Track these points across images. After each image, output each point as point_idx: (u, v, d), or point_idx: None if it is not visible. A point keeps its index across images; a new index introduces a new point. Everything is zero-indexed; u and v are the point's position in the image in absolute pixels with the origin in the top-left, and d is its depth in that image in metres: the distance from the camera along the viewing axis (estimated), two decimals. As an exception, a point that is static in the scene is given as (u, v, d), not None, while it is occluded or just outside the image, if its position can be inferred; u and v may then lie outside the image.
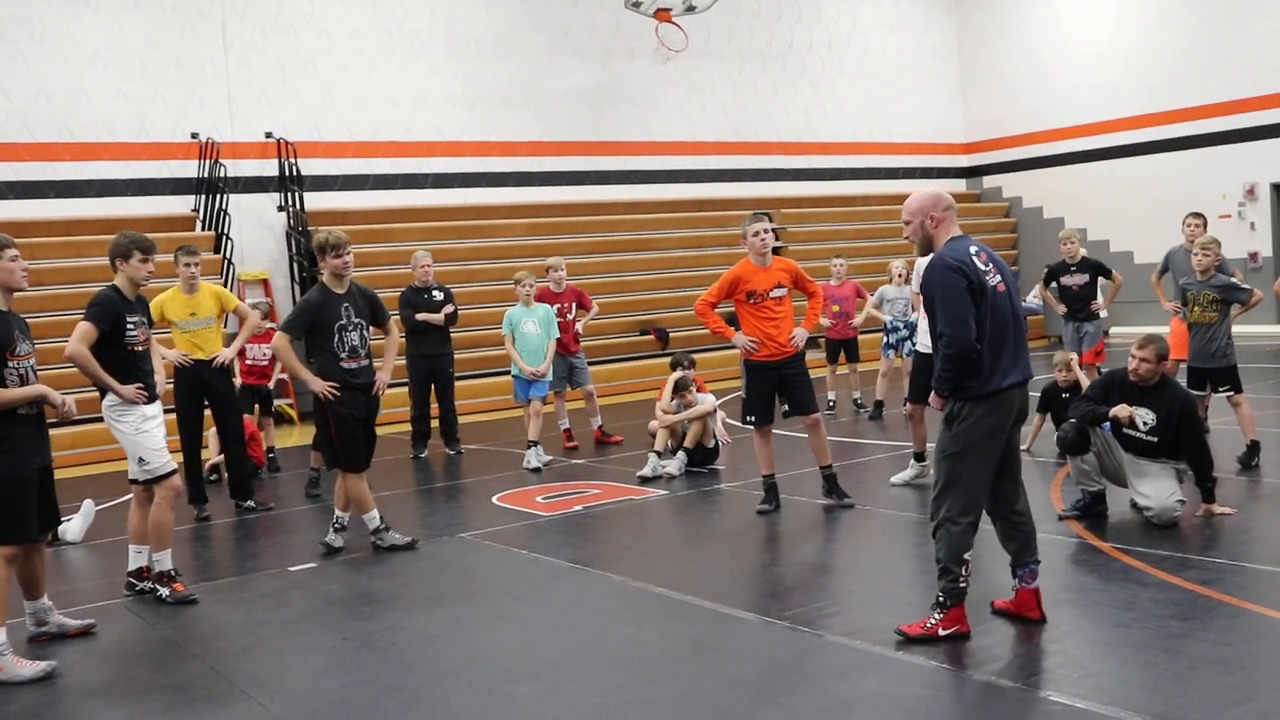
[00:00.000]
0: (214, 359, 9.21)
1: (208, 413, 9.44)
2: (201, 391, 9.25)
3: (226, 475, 9.87)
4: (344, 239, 7.74)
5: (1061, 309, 11.57)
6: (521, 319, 11.09)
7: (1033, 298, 18.47)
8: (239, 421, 9.74)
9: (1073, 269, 11.45)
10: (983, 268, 5.27)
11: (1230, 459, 8.70)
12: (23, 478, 5.63)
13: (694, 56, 21.99)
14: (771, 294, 8.15)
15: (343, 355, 7.62)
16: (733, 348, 8.51)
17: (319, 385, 7.59)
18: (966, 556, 5.24)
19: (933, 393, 5.44)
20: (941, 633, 5.23)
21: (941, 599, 5.28)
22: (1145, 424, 7.17)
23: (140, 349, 6.78)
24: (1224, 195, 20.68)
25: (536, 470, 10.61)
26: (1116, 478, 7.34)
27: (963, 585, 5.24)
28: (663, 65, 21.51)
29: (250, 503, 9.54)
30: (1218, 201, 20.25)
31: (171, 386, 9.73)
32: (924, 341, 8.78)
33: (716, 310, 8.34)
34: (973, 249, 5.34)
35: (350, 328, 7.67)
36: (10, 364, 5.63)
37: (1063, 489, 8.25)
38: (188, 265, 9.21)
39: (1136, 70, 22.34)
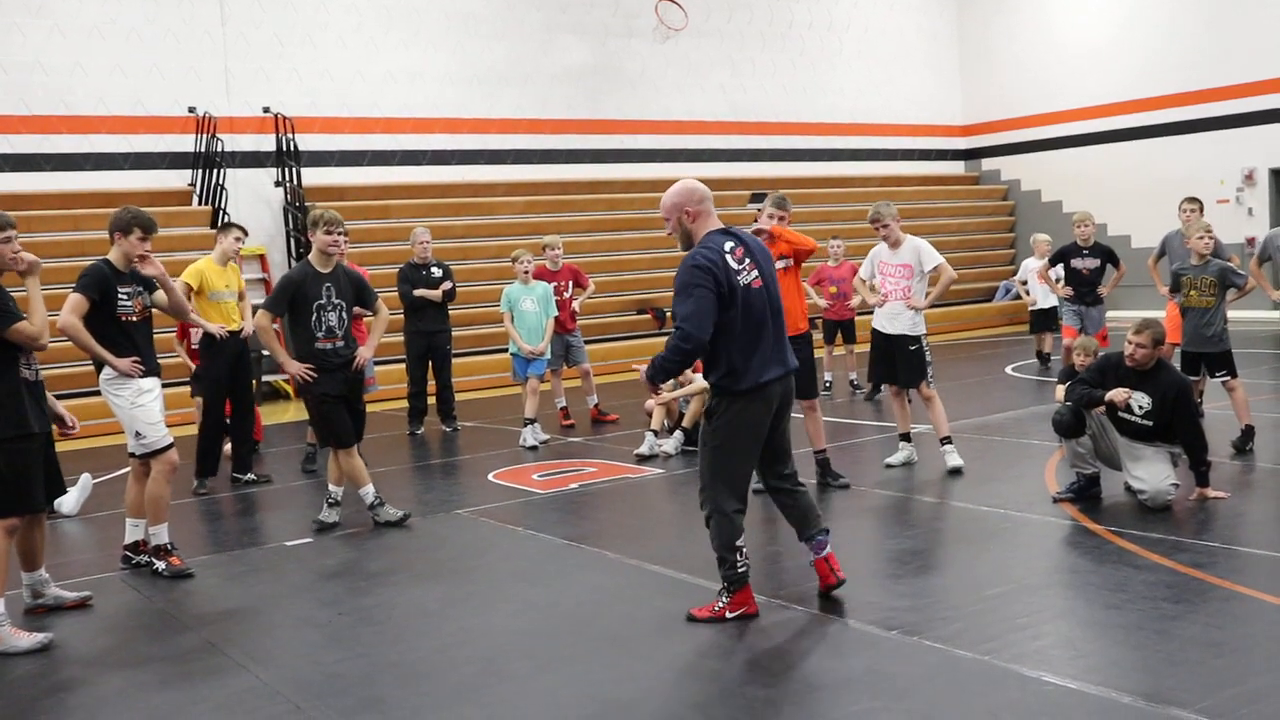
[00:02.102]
0: (242, 331, 9.40)
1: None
2: (233, 363, 9.37)
3: (229, 448, 9.87)
4: (339, 219, 7.73)
5: (1067, 292, 11.44)
6: (520, 297, 11.09)
7: (1016, 281, 18.51)
8: (253, 397, 9.91)
9: (1085, 252, 11.40)
10: (736, 266, 5.24)
11: (1225, 444, 8.73)
12: (27, 446, 5.64)
13: (693, 35, 21.96)
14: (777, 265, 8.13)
15: (319, 335, 7.60)
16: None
17: (294, 367, 7.58)
18: (739, 543, 5.39)
19: (645, 377, 5.49)
20: (729, 615, 5.39)
21: (726, 584, 5.44)
22: (1141, 408, 7.19)
23: (135, 320, 6.77)
24: (1222, 180, 20.69)
25: (533, 448, 10.63)
26: (1111, 461, 7.37)
27: (741, 570, 5.40)
28: (662, 44, 21.50)
29: (250, 475, 9.57)
30: (1216, 186, 20.26)
31: (180, 360, 9.86)
32: (879, 322, 8.80)
33: None
34: (728, 245, 5.29)
35: (329, 308, 7.64)
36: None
37: (1057, 471, 8.28)
38: (239, 240, 9.56)
39: (1136, 54, 22.31)
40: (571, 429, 11.67)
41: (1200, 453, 7.19)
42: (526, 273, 11.10)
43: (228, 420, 9.56)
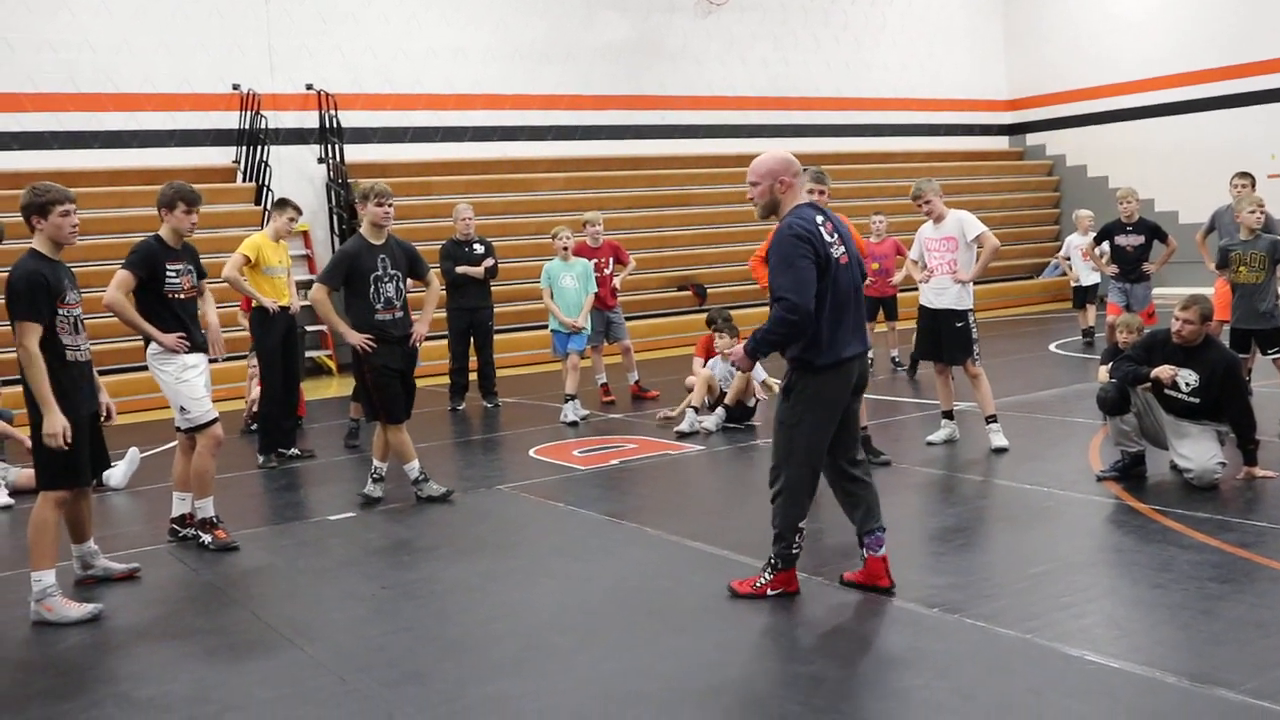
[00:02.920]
0: (290, 306, 9.57)
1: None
2: (287, 337, 9.54)
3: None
4: (389, 191, 7.80)
5: (1112, 269, 11.32)
6: (560, 273, 11.09)
7: (1052, 266, 18.32)
8: (301, 371, 10.12)
9: (1129, 229, 11.26)
10: (828, 238, 5.20)
11: (1273, 421, 8.61)
12: (75, 423, 5.71)
13: (735, 10, 21.81)
14: None
15: (378, 306, 7.64)
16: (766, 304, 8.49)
17: (355, 338, 7.63)
18: (801, 525, 5.34)
19: (742, 350, 5.39)
20: (770, 593, 5.37)
21: (774, 562, 5.39)
22: (1188, 385, 7.10)
23: (183, 297, 6.84)
24: (1273, 155, 20.30)
25: (574, 424, 10.65)
26: (1157, 439, 7.29)
27: (794, 552, 5.36)
28: (704, 19, 21.38)
29: (294, 451, 9.68)
30: (1267, 161, 19.89)
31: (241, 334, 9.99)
32: (926, 297, 8.76)
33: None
34: (819, 218, 5.24)
35: (386, 279, 7.68)
36: (60, 312, 5.70)
37: (1101, 450, 8.21)
38: (292, 220, 9.74)
39: (1184, 26, 21.93)
40: (612, 405, 11.69)
41: (1248, 431, 7.10)
42: (566, 249, 11.10)
43: None
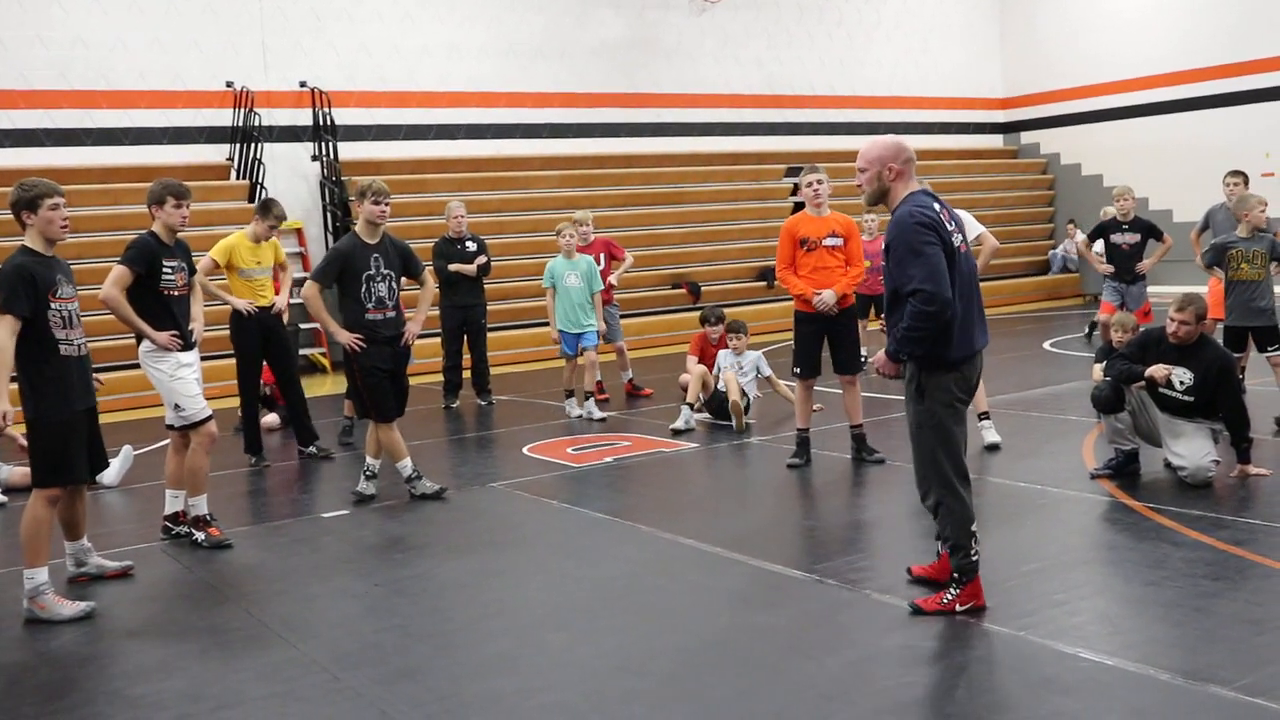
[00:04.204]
0: (273, 307, 9.41)
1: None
2: (265, 339, 9.38)
3: (268, 419, 9.93)
4: (386, 189, 7.78)
5: (1108, 269, 11.26)
6: (564, 272, 10.98)
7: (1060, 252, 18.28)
8: (296, 368, 9.93)
9: (1125, 227, 11.22)
10: (950, 226, 4.99)
11: (1268, 420, 8.63)
12: (70, 420, 5.70)
13: (729, 8, 21.80)
14: (825, 241, 8.12)
15: (369, 306, 7.62)
16: (780, 300, 8.51)
17: (344, 337, 7.62)
18: (973, 528, 5.04)
19: (885, 357, 5.12)
20: (958, 609, 5.01)
21: (957, 575, 5.05)
22: (1182, 384, 7.11)
23: (176, 294, 6.83)
24: (1267, 153, 20.34)
25: (602, 420, 10.62)
26: (1151, 437, 7.30)
27: (974, 558, 5.03)
28: (698, 16, 21.37)
29: (312, 449, 9.62)
30: (1260, 159, 19.93)
31: (227, 334, 9.91)
32: None
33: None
34: (936, 205, 5.02)
35: (379, 278, 7.66)
36: (53, 305, 5.69)
37: (1095, 447, 8.22)
38: (272, 227, 9.44)
39: (1179, 25, 21.97)
40: (606, 403, 11.68)
41: (1242, 429, 7.11)
42: (570, 246, 10.96)
43: (264, 394, 9.63)
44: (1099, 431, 8.22)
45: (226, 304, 9.30)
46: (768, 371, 10.46)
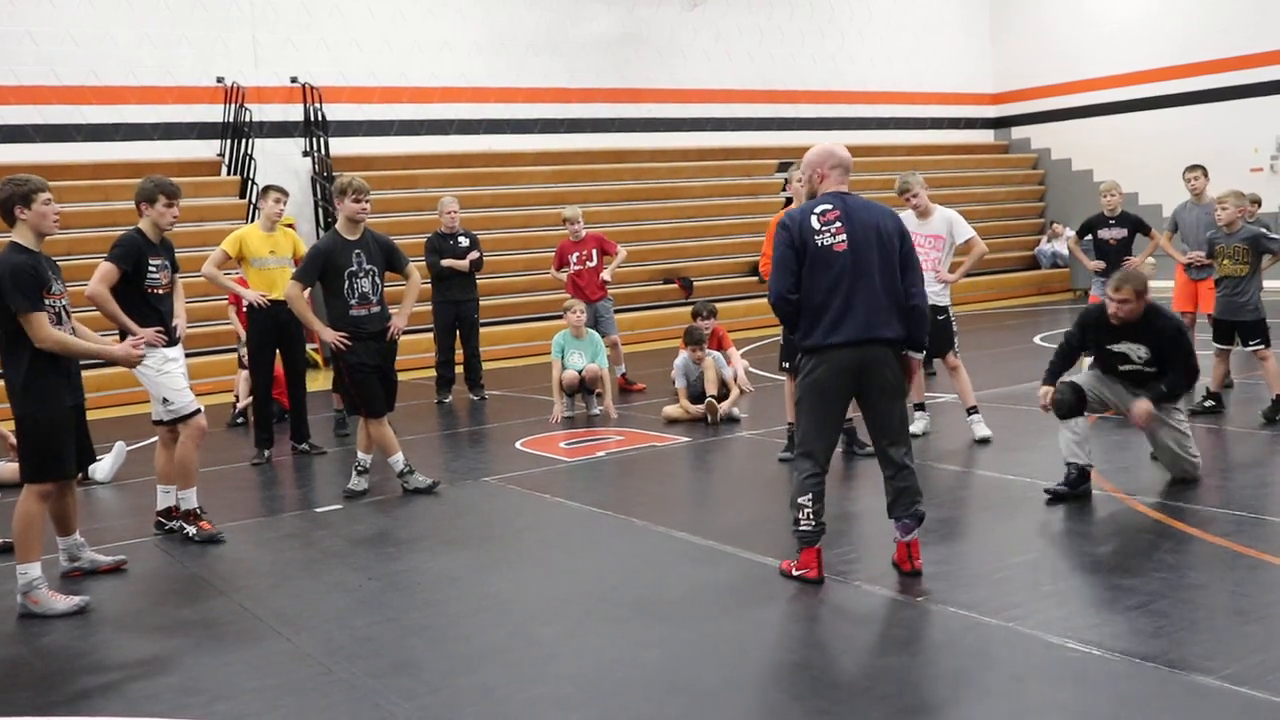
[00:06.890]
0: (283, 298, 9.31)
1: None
2: (276, 332, 9.21)
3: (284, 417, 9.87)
4: (366, 186, 7.75)
5: (1097, 266, 11.20)
6: (571, 349, 10.83)
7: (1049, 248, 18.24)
8: (305, 364, 9.81)
9: (1111, 222, 11.19)
10: (817, 227, 5.34)
11: (1255, 413, 8.68)
12: (58, 417, 5.71)
13: (721, 3, 21.83)
14: None
15: (353, 302, 7.63)
16: (759, 297, 8.55)
17: (329, 335, 7.62)
18: (802, 500, 5.39)
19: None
20: (794, 573, 5.44)
21: (796, 540, 5.48)
22: (1140, 358, 6.96)
23: (161, 291, 6.84)
24: (1256, 149, 20.42)
25: (599, 414, 10.63)
26: (1119, 408, 7.12)
27: (804, 529, 5.40)
28: (689, 12, 21.39)
29: (305, 445, 9.57)
30: (1249, 155, 20.01)
31: (212, 331, 9.88)
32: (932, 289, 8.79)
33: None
34: (820, 207, 5.40)
35: (361, 275, 7.66)
36: (46, 302, 5.70)
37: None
38: (278, 201, 9.28)
39: (1169, 21, 22.03)
40: (599, 398, 11.67)
41: (1178, 390, 6.91)
42: (579, 323, 10.78)
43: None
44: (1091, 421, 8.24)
45: (241, 296, 9.17)
46: (728, 372, 10.47)
